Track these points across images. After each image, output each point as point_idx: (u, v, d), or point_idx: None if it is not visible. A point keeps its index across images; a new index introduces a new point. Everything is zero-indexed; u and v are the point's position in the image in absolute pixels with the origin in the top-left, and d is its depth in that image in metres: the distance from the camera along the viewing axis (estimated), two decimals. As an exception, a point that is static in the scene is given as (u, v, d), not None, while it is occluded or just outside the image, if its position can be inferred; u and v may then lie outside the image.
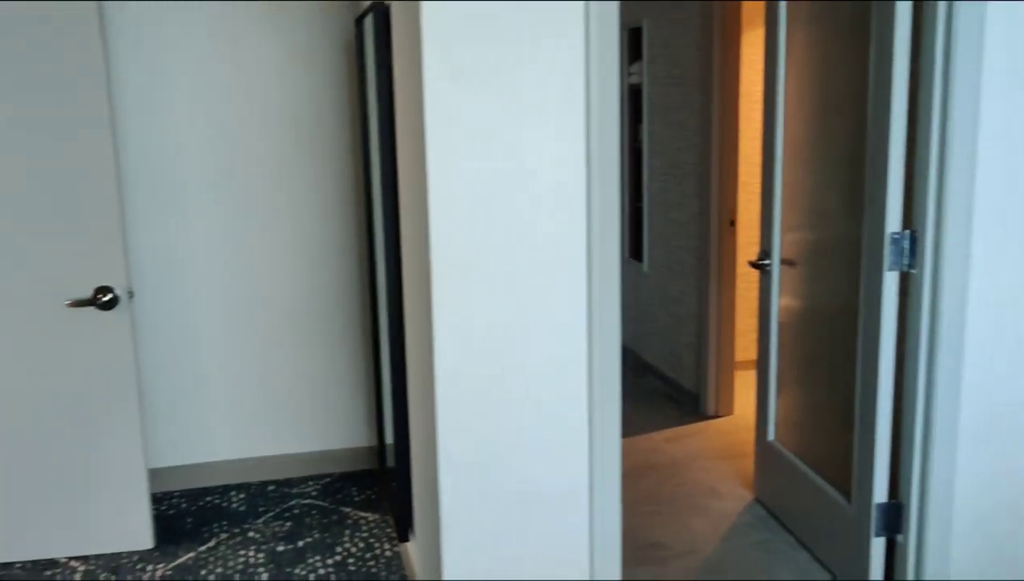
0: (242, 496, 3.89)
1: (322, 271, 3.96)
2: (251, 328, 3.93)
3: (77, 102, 3.04)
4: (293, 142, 3.83)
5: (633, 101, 5.71)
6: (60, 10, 2.99)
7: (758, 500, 3.76)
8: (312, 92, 3.81)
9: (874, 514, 2.86)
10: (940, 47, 2.53)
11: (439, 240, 2.26)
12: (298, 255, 3.92)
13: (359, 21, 3.24)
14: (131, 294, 3.22)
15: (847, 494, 3.04)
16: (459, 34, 2.20)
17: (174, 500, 3.85)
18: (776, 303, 3.50)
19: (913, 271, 2.70)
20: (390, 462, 3.61)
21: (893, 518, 2.85)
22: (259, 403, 3.98)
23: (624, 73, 5.79)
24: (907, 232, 2.70)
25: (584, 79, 2.29)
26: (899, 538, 2.85)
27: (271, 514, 3.70)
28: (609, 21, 2.30)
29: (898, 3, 2.59)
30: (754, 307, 5.51)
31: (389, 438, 3.63)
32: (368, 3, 3.13)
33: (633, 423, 4.73)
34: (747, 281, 5.49)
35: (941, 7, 2.51)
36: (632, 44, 5.66)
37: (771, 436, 3.60)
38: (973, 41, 2.51)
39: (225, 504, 3.81)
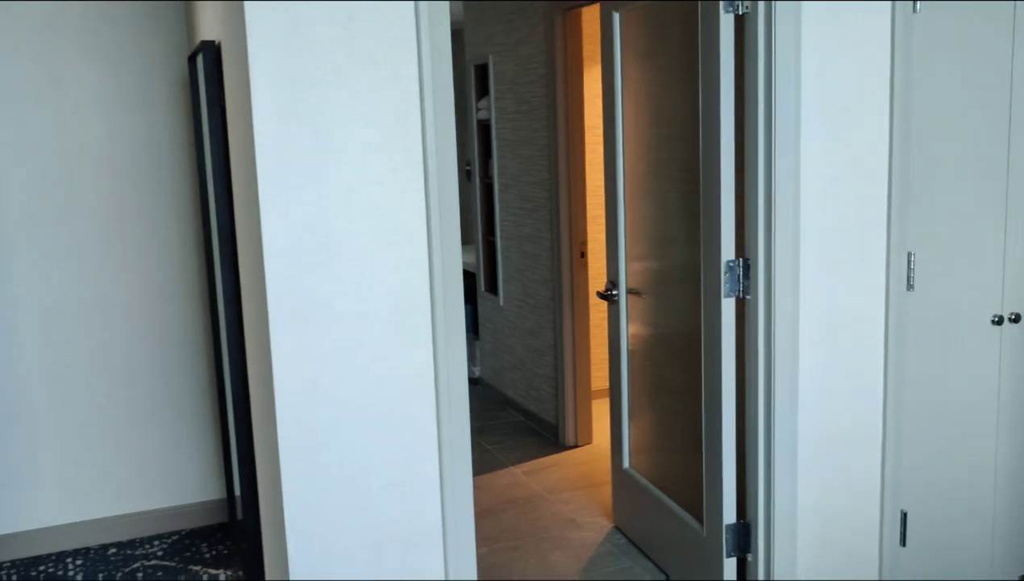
0: (79, 563, 3.65)
1: (162, 320, 3.79)
2: (85, 383, 3.71)
3: None
4: (126, 185, 3.67)
5: (483, 136, 5.76)
6: None
7: (617, 528, 3.80)
8: (146, 132, 3.66)
9: (725, 535, 2.92)
10: (762, 77, 2.65)
11: (275, 284, 2.19)
12: (135, 304, 3.74)
13: (192, 59, 3.14)
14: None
15: (699, 517, 3.10)
16: (290, 73, 2.15)
17: (2, 573, 3.58)
18: (625, 332, 3.57)
19: (748, 297, 2.79)
20: (240, 514, 3.46)
21: (743, 538, 2.93)
22: (97, 461, 3.76)
23: (472, 108, 5.83)
24: (740, 260, 2.80)
25: (420, 116, 2.28)
26: (749, 557, 2.93)
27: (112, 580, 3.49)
28: (442, 58, 2.30)
29: (722, 18, 2.70)
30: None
31: (239, 489, 3.48)
32: (200, 41, 3.04)
33: (493, 458, 4.72)
34: (601, 311, 5.59)
35: (760, 25, 2.63)
36: (480, 80, 5.71)
37: (626, 464, 3.65)
38: (791, 73, 2.63)
39: (61, 573, 3.56)
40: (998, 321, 3.01)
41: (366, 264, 2.26)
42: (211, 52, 2.66)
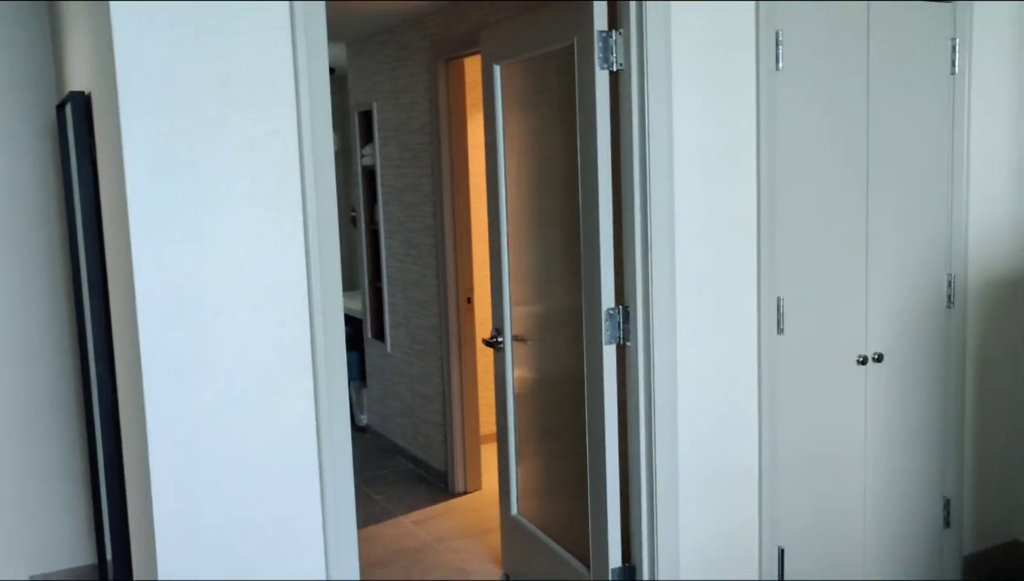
0: (-63, 637, 3.42)
1: (29, 378, 3.62)
2: (-55, 444, 3.50)
3: None
4: (-9, 236, 3.51)
5: (368, 182, 5.75)
6: None
7: (507, 575, 3.79)
8: (11, 181, 3.52)
9: (611, 579, 2.96)
10: (636, 131, 2.74)
11: (149, 341, 2.13)
12: (1, 361, 3.56)
13: (61, 108, 3.04)
14: None
15: (586, 561, 3.13)
16: (164, 127, 2.11)
17: None
18: (511, 379, 3.59)
19: (628, 343, 2.86)
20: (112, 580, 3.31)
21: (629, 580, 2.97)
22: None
23: (357, 154, 5.82)
24: (620, 307, 2.87)
25: (299, 170, 2.27)
26: (635, 600, 2.96)
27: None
28: (322, 112, 2.30)
29: (598, 74, 2.78)
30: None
31: (111, 554, 3.33)
32: (69, 91, 2.95)
33: (382, 508, 4.65)
34: (489, 355, 5.61)
35: (634, 81, 2.72)
36: (364, 126, 5.71)
37: (514, 510, 3.66)
38: (664, 127, 2.74)
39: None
40: (863, 361, 3.16)
41: (245, 319, 2.23)
42: (80, 102, 2.59)
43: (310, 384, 2.31)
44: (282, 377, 2.28)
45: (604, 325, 2.87)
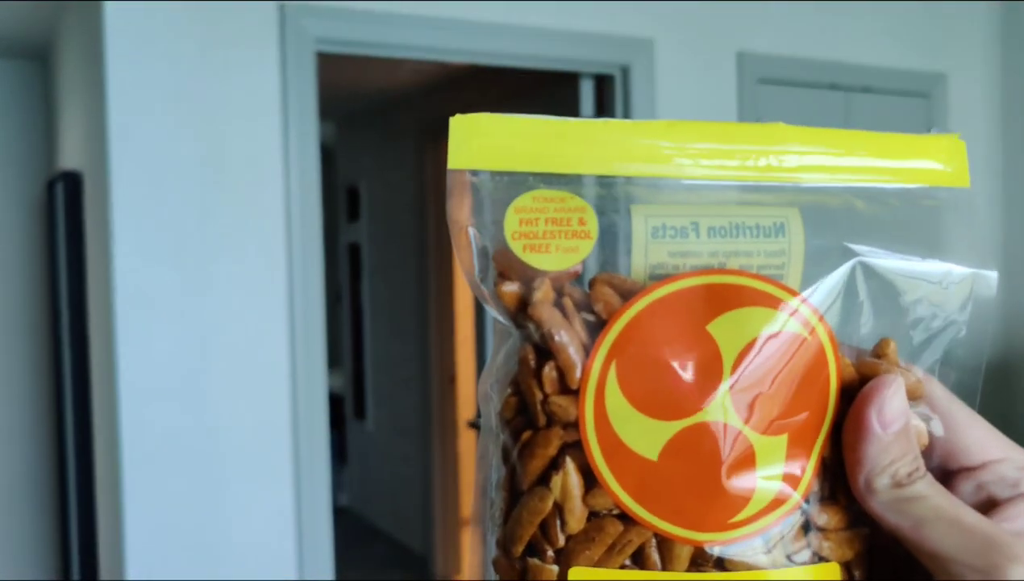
0: None
1: (5, 454, 3.55)
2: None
3: None
4: (-28, 311, 3.48)
5: (353, 259, 5.76)
6: None
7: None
8: (-4, 257, 3.51)
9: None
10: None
11: (130, 425, 2.10)
12: (-25, 436, 3.50)
13: (51, 185, 3.05)
14: None
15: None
16: (154, 210, 2.12)
17: None
18: (494, 461, 3.55)
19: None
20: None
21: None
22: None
23: (343, 231, 5.85)
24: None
25: (286, 253, 2.27)
26: None
27: None
28: (311, 196, 2.31)
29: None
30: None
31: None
32: (59, 170, 2.97)
33: (361, 592, 4.55)
34: (472, 436, 5.56)
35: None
36: (350, 203, 5.75)
37: (496, 597, 3.58)
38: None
39: None
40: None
41: (227, 403, 2.20)
42: (71, 182, 2.59)
43: (290, 468, 2.28)
44: (262, 462, 2.25)
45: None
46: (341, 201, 5.85)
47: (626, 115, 2.76)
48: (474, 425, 3.58)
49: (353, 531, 5.52)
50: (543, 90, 3.05)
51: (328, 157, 6.65)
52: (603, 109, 2.83)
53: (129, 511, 2.10)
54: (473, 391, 5.51)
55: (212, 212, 2.18)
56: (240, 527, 2.22)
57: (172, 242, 2.13)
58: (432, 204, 4.73)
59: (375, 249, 5.39)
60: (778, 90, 2.98)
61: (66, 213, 2.62)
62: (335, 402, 6.32)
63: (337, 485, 5.99)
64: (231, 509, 2.21)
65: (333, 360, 7.01)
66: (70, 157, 2.83)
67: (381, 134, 5.27)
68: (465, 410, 5.46)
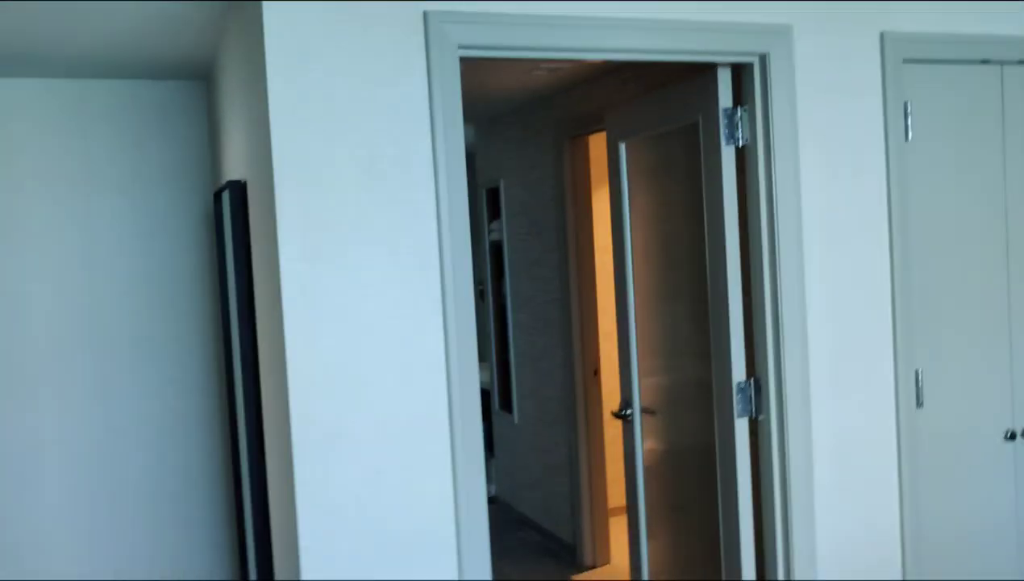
0: None
1: (183, 449, 3.84)
2: (107, 514, 3.74)
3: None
4: (151, 314, 3.78)
5: (496, 257, 5.90)
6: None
7: (638, 652, 3.74)
8: (171, 263, 3.79)
9: (747, 660, 2.89)
10: (764, 206, 2.76)
11: (299, 415, 2.25)
12: (156, 432, 3.80)
13: (218, 196, 3.28)
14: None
15: (721, 641, 3.07)
16: (315, 214, 2.27)
17: None
18: (640, 452, 3.59)
19: (761, 417, 2.84)
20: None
21: (765, 662, 2.89)
22: (115, 590, 3.76)
23: (485, 230, 5.99)
24: (752, 380, 2.85)
25: (438, 250, 2.38)
26: (773, 682, 2.88)
27: None
28: (459, 194, 2.42)
29: (724, 150, 2.82)
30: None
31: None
32: (227, 180, 3.19)
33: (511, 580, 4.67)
34: (616, 427, 5.61)
35: (760, 155, 2.75)
36: (491, 203, 5.89)
37: (645, 585, 3.62)
38: (792, 201, 2.75)
39: None
40: (1011, 436, 3.03)
41: (387, 394, 2.33)
42: (237, 190, 2.79)
43: (448, 458, 2.39)
44: (422, 450, 2.37)
45: (735, 398, 2.86)
46: (482, 202, 6.00)
47: (765, 104, 2.75)
48: (620, 415, 3.63)
49: (503, 520, 5.66)
50: (681, 81, 3.07)
51: (469, 160, 6.83)
52: (741, 98, 2.83)
53: (301, 495, 2.25)
54: (617, 383, 5.55)
55: (368, 214, 2.31)
56: (402, 513, 2.35)
57: (333, 243, 2.28)
58: (572, 199, 4.80)
59: (516, 246, 5.50)
60: (925, 69, 2.90)
61: (232, 219, 2.82)
62: (482, 395, 6.48)
63: (487, 476, 6.15)
64: (393, 496, 2.34)
65: (478, 355, 7.19)
66: (234, 168, 3.04)
67: (519, 135, 5.38)
68: (610, 402, 5.50)
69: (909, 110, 2.88)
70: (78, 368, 3.69)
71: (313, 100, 2.27)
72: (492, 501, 6.03)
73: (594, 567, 4.79)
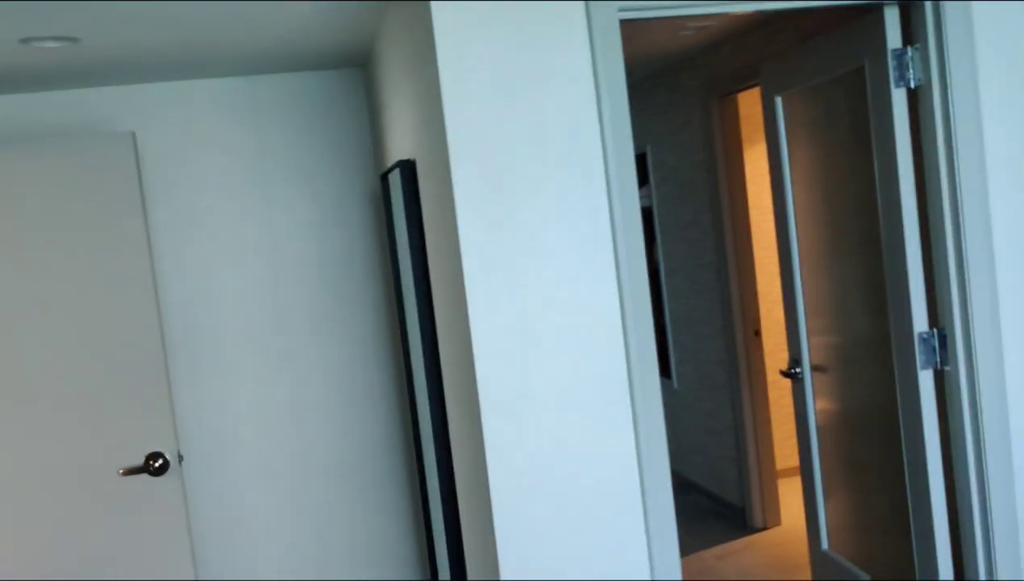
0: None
1: (364, 420, 4.02)
2: (299, 482, 3.96)
3: (121, 265, 3.18)
4: (327, 295, 3.96)
5: (646, 222, 5.88)
6: (105, 187, 3.17)
7: (820, 612, 3.69)
8: (343, 245, 3.96)
9: (942, 617, 2.81)
10: (942, 150, 2.65)
11: (485, 380, 2.33)
12: (340, 405, 3.99)
13: (384, 177, 3.40)
14: (180, 458, 3.28)
15: (911, 599, 2.99)
16: (489, 185, 2.33)
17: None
18: (812, 410, 3.53)
19: (947, 369, 2.74)
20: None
21: (962, 620, 2.81)
22: (306, 556, 3.98)
23: (634, 197, 5.97)
24: (935, 331, 2.76)
25: (608, 215, 2.41)
26: (971, 640, 2.79)
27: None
28: (626, 158, 2.43)
29: (894, 93, 2.72)
30: (791, 412, 5.50)
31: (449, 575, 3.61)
32: (396, 160, 3.30)
33: (682, 542, 4.68)
34: (780, 388, 5.51)
35: (936, 96, 2.64)
36: (639, 168, 5.86)
37: (824, 545, 3.56)
38: (974, 142, 2.62)
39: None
40: None
41: (567, 358, 2.38)
42: (407, 169, 2.89)
43: (630, 418, 2.42)
44: (604, 412, 2.41)
45: (918, 350, 2.77)
46: (629, 167, 5.97)
47: (940, 43, 2.63)
48: (788, 374, 3.57)
49: (666, 487, 5.67)
50: (838, 28, 2.97)
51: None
52: (911, 37, 2.72)
53: (492, 458, 2.33)
54: (779, 344, 5.45)
55: (539, 182, 2.36)
56: (589, 473, 2.40)
57: (508, 212, 2.33)
58: (723, 160, 4.73)
59: (667, 211, 5.46)
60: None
61: (404, 196, 2.92)
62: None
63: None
64: (579, 457, 2.39)
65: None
66: (401, 148, 3.15)
67: (666, 97, 5.32)
68: (772, 362, 5.41)
69: (1099, 36, 2.70)
70: (265, 348, 3.91)
71: (480, 72, 2.32)
72: (655, 467, 6.04)
73: (765, 529, 4.74)
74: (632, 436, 2.43)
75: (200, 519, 3.88)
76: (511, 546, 2.36)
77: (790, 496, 5.16)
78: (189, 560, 3.27)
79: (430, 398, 2.94)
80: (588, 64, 2.40)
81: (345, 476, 4.02)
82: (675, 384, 5.62)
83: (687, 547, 4.61)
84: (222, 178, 3.86)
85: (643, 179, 5.81)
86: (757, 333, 4.77)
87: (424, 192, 2.80)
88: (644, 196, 5.80)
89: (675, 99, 5.19)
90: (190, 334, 3.85)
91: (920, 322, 2.77)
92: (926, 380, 2.79)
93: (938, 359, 2.76)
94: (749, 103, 5.37)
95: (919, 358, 2.77)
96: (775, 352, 5.45)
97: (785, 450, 5.53)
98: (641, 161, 5.80)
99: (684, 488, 5.58)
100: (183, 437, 3.84)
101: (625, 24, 3.92)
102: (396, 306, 3.84)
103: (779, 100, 3.49)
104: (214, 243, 3.86)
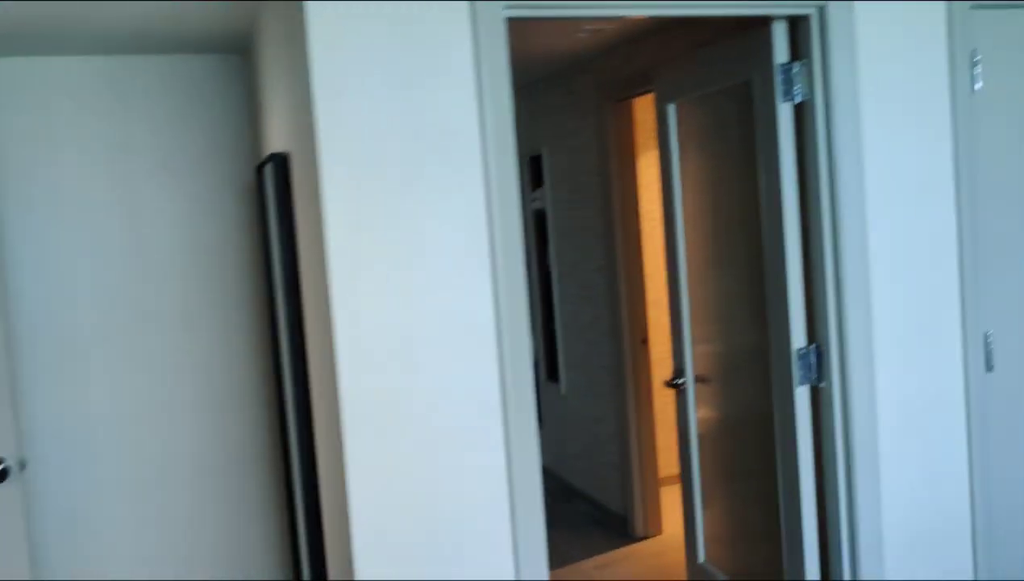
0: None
1: (231, 421, 3.83)
2: (160, 485, 3.74)
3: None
4: (196, 292, 3.75)
5: (539, 225, 5.82)
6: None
7: (694, 624, 3.68)
8: (215, 240, 3.76)
9: (810, 633, 2.82)
10: (824, 165, 2.64)
11: (349, 390, 2.20)
12: (202, 408, 3.79)
13: (260, 169, 3.23)
14: (23, 465, 3.05)
15: (782, 613, 2.99)
16: (361, 184, 2.20)
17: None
18: (694, 422, 3.51)
19: (822, 385, 2.74)
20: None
21: (830, 635, 2.82)
22: (165, 562, 3.77)
23: (527, 198, 5.91)
24: (813, 347, 2.75)
25: (487, 219, 2.31)
26: (838, 656, 2.81)
27: None
28: (507, 161, 2.34)
29: (780, 108, 2.70)
30: (675, 421, 5.52)
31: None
32: (269, 153, 3.13)
33: (561, 552, 4.63)
34: (667, 395, 5.53)
35: (820, 112, 2.63)
36: (533, 170, 5.80)
37: (701, 558, 3.55)
38: (854, 159, 2.63)
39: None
40: (1085, 400, 2.91)
41: (438, 367, 2.27)
42: (280, 163, 2.74)
43: (500, 432, 2.33)
44: (475, 424, 2.31)
45: (795, 365, 2.76)
46: (524, 169, 5.90)
47: (824, 59, 2.63)
48: (672, 384, 3.55)
49: (551, 491, 5.62)
50: (733, 37, 2.95)
51: (508, 125, 6.73)
52: (797, 53, 2.70)
53: (353, 473, 2.21)
54: (666, 351, 5.46)
55: (416, 182, 2.25)
56: (456, 489, 2.30)
57: (380, 213, 2.21)
58: (616, 165, 4.70)
59: (560, 215, 5.41)
60: (995, 15, 2.75)
61: (276, 191, 2.77)
62: (527, 367, 6.43)
63: (533, 448, 6.11)
64: (447, 471, 2.29)
65: (523, 325, 7.14)
66: (276, 140, 2.99)
67: (561, 100, 5.27)
68: (658, 370, 5.41)
69: (977, 58, 2.74)
70: (125, 343, 3.68)
71: (357, 66, 2.19)
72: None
73: (646, 538, 4.73)
74: (503, 451, 2.34)
75: (50, 526, 3.62)
76: (370, 563, 2.24)
77: (674, 504, 5.18)
78: (26, 569, 3.04)
79: (295, 403, 2.80)
80: (471, 62, 2.30)
81: (210, 478, 3.82)
82: (563, 389, 5.57)
83: (566, 557, 4.56)
84: (82, 165, 3.61)
85: (538, 181, 5.75)
86: (644, 340, 4.75)
87: (296, 187, 2.65)
88: (538, 198, 5.74)
89: (571, 101, 5.14)
90: (43, 332, 3.59)
91: (798, 338, 2.76)
92: (803, 395, 2.78)
93: (814, 375, 2.76)
94: (644, 108, 5.37)
95: (796, 374, 2.76)
96: (662, 360, 5.47)
97: (671, 457, 5.55)
98: (536, 163, 5.74)
99: (567, 495, 5.54)
100: (34, 441, 3.58)
101: (520, 24, 3.84)
102: (267, 306, 3.67)
103: (671, 108, 3.46)
104: (72, 234, 3.61)
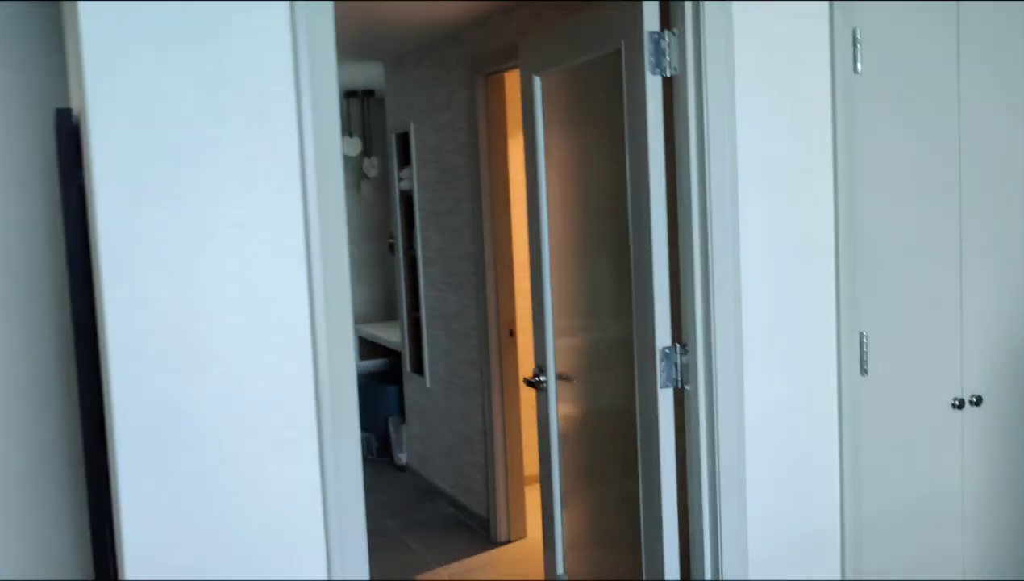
0: None
1: (26, 423, 3.36)
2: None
3: None
4: (-6, 270, 3.27)
5: (406, 207, 5.46)
6: None
7: (553, 640, 3.42)
8: (14, 214, 3.27)
9: (670, 658, 2.58)
10: (694, 145, 2.39)
11: (123, 396, 1.82)
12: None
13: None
14: None
15: (641, 635, 2.75)
16: (145, 148, 1.82)
17: None
18: (555, 424, 3.24)
19: (687, 387, 2.49)
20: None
21: (690, 660, 2.59)
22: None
23: (395, 178, 5.54)
24: (677, 346, 2.50)
25: (301, 194, 1.96)
26: (698, 683, 2.58)
27: None
28: (329, 125, 1.99)
29: (648, 81, 2.43)
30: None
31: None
32: (55, 109, 2.68)
33: (419, 557, 4.31)
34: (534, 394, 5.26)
35: (691, 89, 2.38)
36: (401, 148, 5.43)
37: (560, 569, 3.29)
38: (726, 139, 2.38)
39: None
40: (959, 404, 2.75)
41: (235, 367, 1.91)
42: (65, 121, 2.31)
43: (314, 442, 1.98)
44: (280, 434, 1.95)
45: (659, 366, 2.50)
46: (393, 147, 5.53)
47: (697, 30, 2.37)
48: (533, 383, 3.27)
49: (413, 490, 5.30)
50: (601, 10, 2.66)
51: (379, 104, 6.33)
52: (668, 26, 2.44)
53: (125, 495, 1.83)
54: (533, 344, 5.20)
55: (215, 151, 1.87)
56: (256, 509, 1.94)
57: (166, 184, 1.83)
58: (486, 143, 4.38)
59: (427, 196, 5.07)
60: (876, 5, 2.54)
61: (60, 156, 2.34)
62: (392, 357, 6.08)
63: (396, 443, 5.77)
64: (245, 490, 1.93)
65: (388, 313, 6.76)
66: (74, 96, 2.56)
67: (430, 74, 4.92)
68: (525, 364, 5.14)
69: (859, 38, 2.53)
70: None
71: (140, 12, 1.80)
72: (402, 469, 5.65)
73: (509, 542, 4.46)
74: (316, 465, 1.99)
75: None
76: (150, 607, 1.87)
77: (538, 506, 4.92)
78: None
79: (82, 408, 2.38)
80: (286, 10, 1.93)
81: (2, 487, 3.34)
82: (427, 383, 5.24)
83: (423, 563, 4.25)
84: None
85: (405, 160, 5.38)
86: (512, 333, 4.47)
87: (84, 153, 2.23)
88: (405, 178, 5.38)
89: (440, 75, 4.79)
90: None
91: (663, 336, 2.50)
92: (665, 399, 2.52)
93: (679, 376, 2.51)
94: (518, 84, 5.07)
95: (660, 375, 2.51)
96: (531, 354, 5.20)
97: (536, 457, 5.30)
98: (404, 140, 5.37)
99: (431, 495, 5.22)
100: None
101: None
102: (70, 295, 3.21)
103: (538, 80, 3.16)
104: None
